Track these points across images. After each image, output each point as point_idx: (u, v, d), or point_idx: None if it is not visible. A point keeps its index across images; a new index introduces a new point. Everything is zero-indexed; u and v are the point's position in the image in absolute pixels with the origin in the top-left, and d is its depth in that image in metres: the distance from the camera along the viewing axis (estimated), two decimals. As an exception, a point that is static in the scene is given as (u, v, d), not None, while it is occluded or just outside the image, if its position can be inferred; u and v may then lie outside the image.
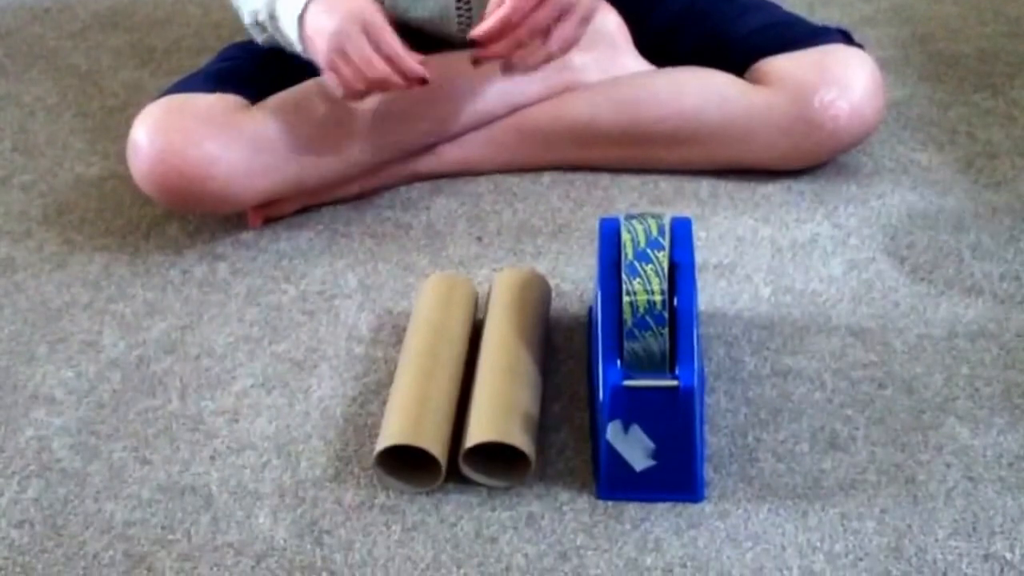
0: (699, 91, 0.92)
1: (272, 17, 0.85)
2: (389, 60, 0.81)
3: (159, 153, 0.85)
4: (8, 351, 0.83)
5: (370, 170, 0.93)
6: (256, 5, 0.86)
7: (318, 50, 0.82)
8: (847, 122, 0.89)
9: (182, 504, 0.70)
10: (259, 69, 0.91)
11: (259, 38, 0.89)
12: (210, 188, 0.85)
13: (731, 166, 0.94)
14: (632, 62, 0.96)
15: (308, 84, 0.90)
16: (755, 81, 0.91)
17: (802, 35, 0.92)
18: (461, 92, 0.92)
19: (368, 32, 0.80)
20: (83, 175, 1.01)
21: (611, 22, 0.94)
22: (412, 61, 0.82)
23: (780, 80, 0.90)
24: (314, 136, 0.88)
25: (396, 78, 0.82)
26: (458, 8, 0.91)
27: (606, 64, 0.94)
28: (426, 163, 0.95)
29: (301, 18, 0.82)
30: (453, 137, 0.92)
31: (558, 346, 0.80)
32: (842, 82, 0.88)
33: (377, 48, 0.81)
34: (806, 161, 0.93)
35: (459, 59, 0.92)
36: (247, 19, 0.88)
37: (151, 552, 0.67)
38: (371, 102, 0.89)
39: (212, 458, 0.73)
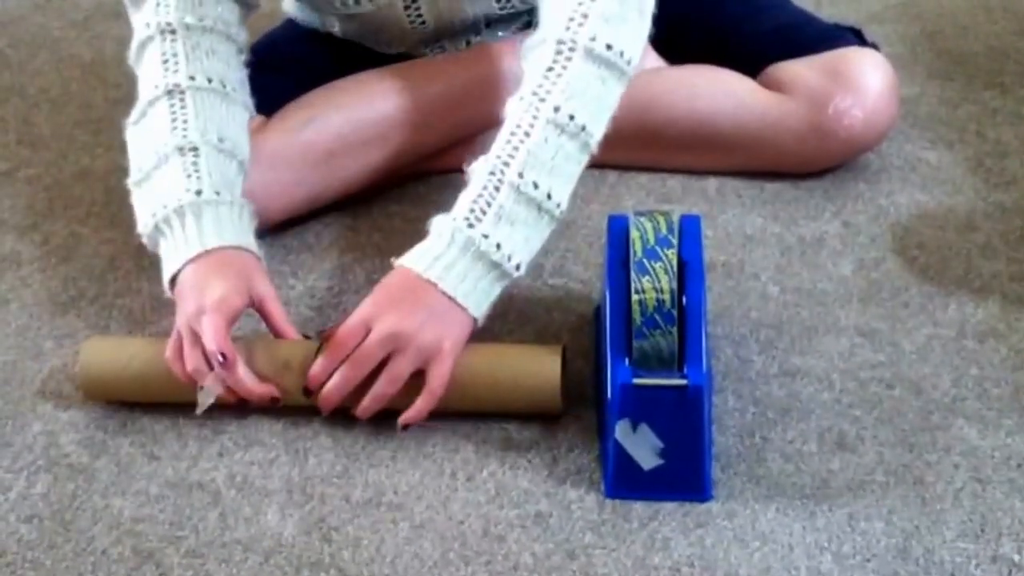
0: (712, 96, 0.91)
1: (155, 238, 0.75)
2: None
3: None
4: (15, 345, 0.82)
5: (385, 175, 0.92)
6: (155, 207, 0.75)
7: (178, 316, 0.72)
8: (862, 130, 0.88)
9: (190, 500, 0.70)
10: (269, 81, 0.91)
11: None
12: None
13: (742, 169, 0.94)
14: (645, 55, 0.95)
15: (318, 93, 0.90)
16: (768, 86, 0.91)
17: (815, 38, 0.91)
18: (476, 97, 0.91)
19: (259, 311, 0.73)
20: (88, 167, 1.00)
21: None
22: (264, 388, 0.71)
23: (794, 86, 0.89)
24: (330, 149, 0.88)
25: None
26: (406, 6, 0.90)
27: None
28: (436, 160, 0.95)
29: (175, 277, 0.73)
30: (468, 139, 0.92)
31: (565, 345, 0.80)
32: (856, 89, 0.87)
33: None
34: (819, 166, 0.93)
35: (472, 62, 0.92)
36: (140, 226, 0.76)
37: (159, 548, 0.68)
38: (387, 108, 0.88)
39: (220, 454, 0.73)
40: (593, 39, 0.73)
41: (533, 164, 0.72)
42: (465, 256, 0.71)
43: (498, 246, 0.71)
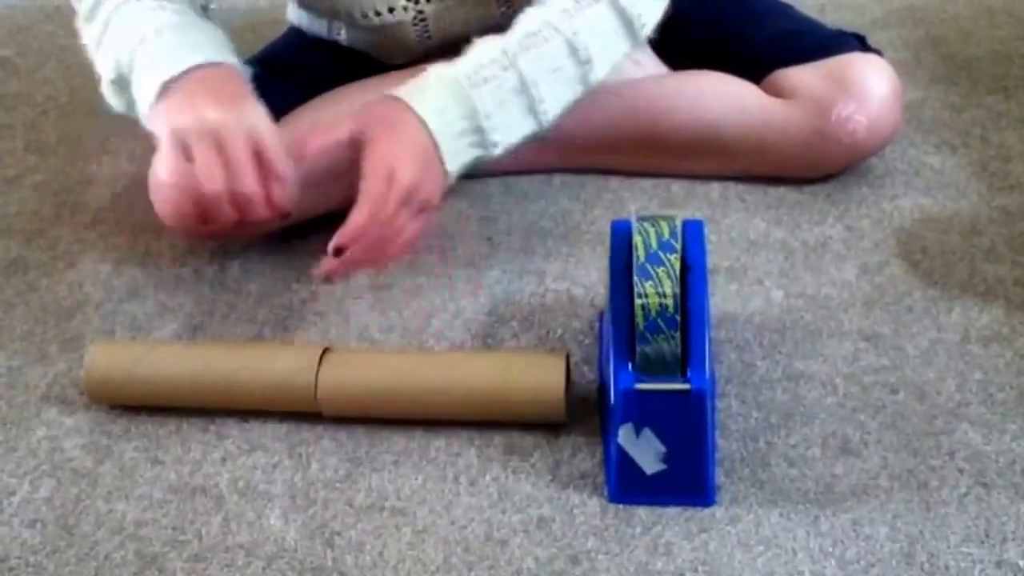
0: (717, 102, 0.91)
1: (129, 71, 0.71)
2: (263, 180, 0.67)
3: (180, 188, 0.78)
4: (20, 350, 0.83)
5: None
6: (118, 54, 0.72)
7: (160, 131, 0.67)
8: (865, 136, 0.88)
9: (193, 505, 0.70)
10: (273, 88, 0.91)
11: (114, 101, 0.74)
12: (232, 219, 0.84)
13: (745, 174, 0.94)
14: (646, 61, 0.95)
15: (322, 100, 0.90)
16: (771, 92, 0.91)
17: (819, 44, 0.91)
18: None
19: (252, 139, 0.67)
20: (95, 174, 1.01)
21: None
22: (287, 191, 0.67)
23: (797, 93, 0.89)
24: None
25: (260, 203, 0.67)
26: (414, 21, 0.91)
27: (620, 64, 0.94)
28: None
29: (168, 84, 0.68)
30: None
31: (569, 349, 0.80)
32: (860, 95, 0.87)
33: (256, 160, 0.66)
34: (823, 171, 0.92)
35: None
36: (106, 77, 0.74)
37: (162, 552, 0.68)
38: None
39: (223, 459, 0.73)
40: None
41: (541, 69, 0.76)
42: (456, 109, 0.73)
43: (487, 116, 0.74)
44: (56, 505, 0.71)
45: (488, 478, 0.71)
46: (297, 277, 0.88)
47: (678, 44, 0.96)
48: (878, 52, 0.92)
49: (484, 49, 0.76)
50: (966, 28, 1.14)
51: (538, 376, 0.72)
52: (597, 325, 0.82)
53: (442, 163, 0.72)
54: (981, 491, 0.69)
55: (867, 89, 0.88)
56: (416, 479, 0.71)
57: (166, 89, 0.70)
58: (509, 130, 0.76)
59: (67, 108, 1.10)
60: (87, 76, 1.20)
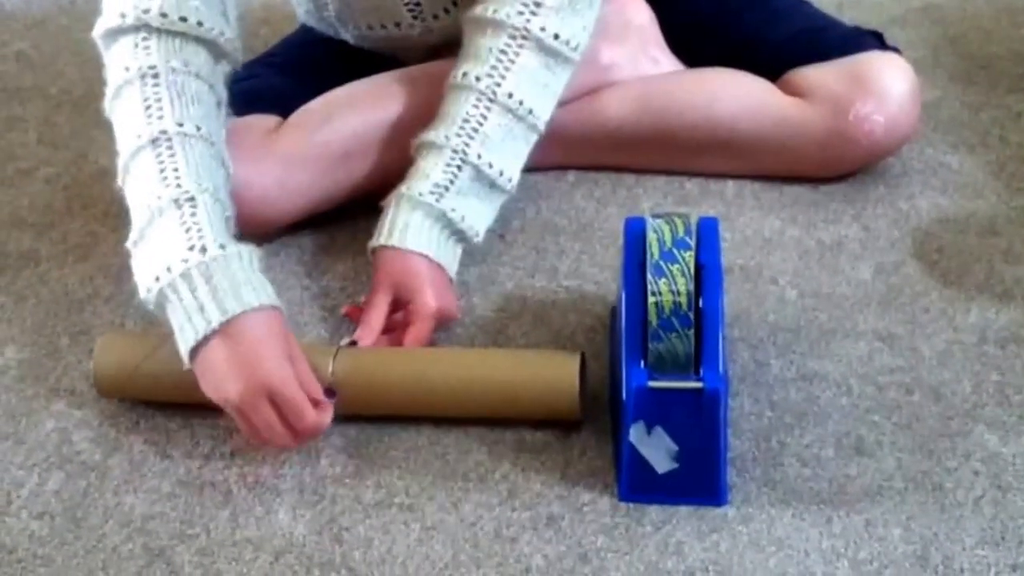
0: (733, 100, 0.90)
1: (162, 302, 0.69)
2: (297, 429, 0.69)
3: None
4: (31, 342, 0.83)
5: (400, 175, 0.92)
6: (157, 270, 0.69)
7: (209, 392, 0.69)
8: (883, 135, 0.87)
9: (201, 499, 0.70)
10: (287, 83, 0.91)
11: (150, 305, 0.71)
12: (244, 212, 0.81)
13: (761, 174, 0.93)
14: (663, 58, 0.95)
15: (335, 94, 0.90)
16: (788, 91, 0.90)
17: (836, 43, 0.90)
18: None
19: (276, 402, 0.67)
20: (107, 168, 1.00)
21: (642, 16, 0.93)
22: (318, 417, 0.68)
23: (814, 92, 0.88)
24: (346, 150, 0.87)
25: (298, 438, 0.69)
26: (420, 34, 0.91)
27: (637, 60, 0.93)
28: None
29: (197, 349, 0.68)
30: None
31: (580, 346, 0.79)
32: (878, 94, 0.86)
33: (285, 418, 0.68)
34: (840, 171, 0.92)
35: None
36: (142, 291, 0.71)
37: (170, 546, 0.67)
38: (400, 109, 0.88)
39: (232, 453, 0.73)
40: (543, 29, 0.80)
41: (491, 147, 0.80)
42: (435, 225, 0.79)
43: (462, 217, 0.80)
44: (64, 498, 0.71)
45: (498, 475, 0.71)
46: (308, 272, 0.88)
47: (695, 42, 0.95)
48: (896, 50, 0.91)
49: (433, 154, 0.80)
50: (985, 27, 1.13)
51: (553, 375, 0.72)
52: (609, 322, 0.81)
53: (449, 277, 0.80)
54: (997, 493, 0.68)
55: (885, 88, 0.87)
56: (425, 476, 0.71)
57: (195, 349, 0.69)
58: (482, 215, 0.81)
59: (80, 102, 1.10)
60: (101, 70, 1.20)
